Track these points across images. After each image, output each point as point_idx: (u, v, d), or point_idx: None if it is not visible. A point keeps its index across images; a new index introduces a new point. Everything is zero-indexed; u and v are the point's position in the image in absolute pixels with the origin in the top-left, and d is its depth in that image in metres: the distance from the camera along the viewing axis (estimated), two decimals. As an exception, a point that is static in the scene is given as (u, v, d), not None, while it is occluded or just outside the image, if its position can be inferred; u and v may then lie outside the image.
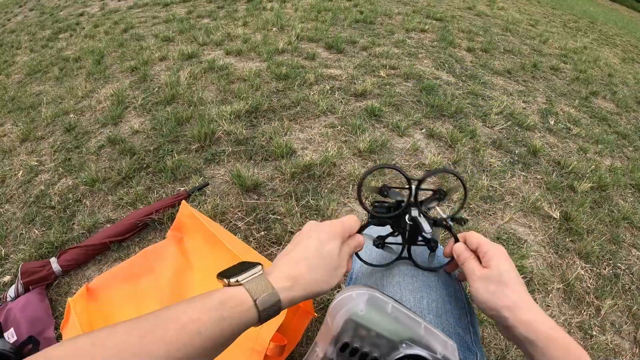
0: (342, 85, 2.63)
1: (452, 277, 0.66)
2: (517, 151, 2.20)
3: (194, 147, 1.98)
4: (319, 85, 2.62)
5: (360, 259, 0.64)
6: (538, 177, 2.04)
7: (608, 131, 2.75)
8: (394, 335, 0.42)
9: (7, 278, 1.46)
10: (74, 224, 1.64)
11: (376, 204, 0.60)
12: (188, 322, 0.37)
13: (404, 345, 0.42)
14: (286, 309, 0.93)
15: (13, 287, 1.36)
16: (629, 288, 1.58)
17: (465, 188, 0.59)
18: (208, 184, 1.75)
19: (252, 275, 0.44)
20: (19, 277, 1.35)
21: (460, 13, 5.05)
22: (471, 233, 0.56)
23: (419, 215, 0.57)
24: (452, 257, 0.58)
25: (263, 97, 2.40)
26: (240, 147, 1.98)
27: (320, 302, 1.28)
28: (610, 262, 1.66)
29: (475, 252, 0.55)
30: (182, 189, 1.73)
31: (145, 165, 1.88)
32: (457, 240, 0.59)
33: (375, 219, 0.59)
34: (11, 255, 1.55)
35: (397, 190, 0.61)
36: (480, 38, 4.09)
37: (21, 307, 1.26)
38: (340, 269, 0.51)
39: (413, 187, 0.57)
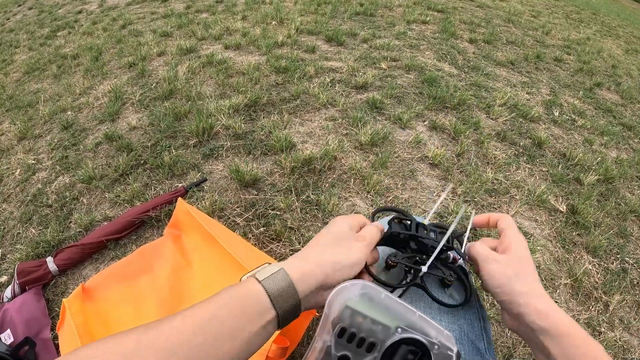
0: (343, 78, 2.59)
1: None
2: (521, 143, 2.16)
3: (191, 142, 1.95)
4: (319, 78, 2.58)
5: (370, 273, 0.55)
6: (544, 169, 2.00)
7: (613, 123, 2.70)
8: (389, 321, 0.42)
9: (4, 278, 1.44)
10: (70, 222, 1.61)
11: (393, 222, 0.57)
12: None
13: (399, 330, 0.42)
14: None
15: (9, 287, 1.33)
16: (637, 283, 1.55)
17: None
18: (206, 180, 1.71)
19: (271, 269, 0.43)
20: (15, 277, 1.32)
21: (461, 4, 4.99)
22: (505, 217, 0.55)
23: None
24: (469, 295, 0.57)
25: (262, 91, 2.37)
26: (239, 141, 1.94)
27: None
28: (618, 256, 1.63)
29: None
30: (180, 185, 1.70)
31: (142, 162, 1.85)
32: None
33: (386, 241, 0.56)
34: (8, 255, 1.53)
35: (407, 258, 0.56)
36: (482, 29, 4.03)
37: (18, 307, 1.24)
38: (357, 243, 0.49)
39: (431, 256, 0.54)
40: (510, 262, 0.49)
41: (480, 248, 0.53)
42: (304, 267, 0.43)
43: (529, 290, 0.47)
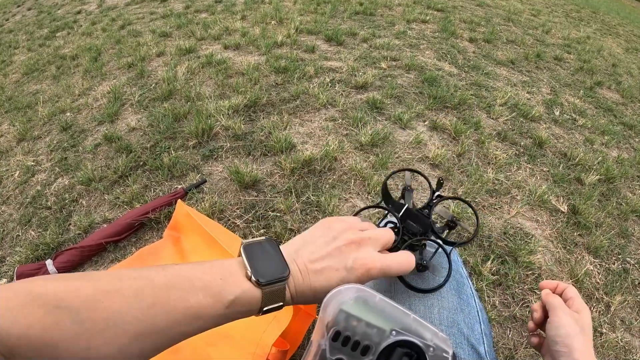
0: (343, 78, 2.58)
1: (464, 282, 0.63)
2: (522, 143, 2.15)
3: (191, 143, 1.95)
4: (319, 78, 2.57)
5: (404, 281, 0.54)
6: (544, 169, 1.99)
7: (614, 122, 2.69)
8: (384, 324, 0.42)
9: (3, 281, 1.43)
10: (70, 224, 1.61)
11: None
12: (196, 305, 0.37)
13: (393, 332, 0.42)
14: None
15: (8, 290, 1.33)
16: (639, 283, 1.54)
17: (477, 220, 0.58)
18: (206, 181, 1.71)
19: (278, 283, 0.42)
20: (15, 280, 1.32)
21: (461, 3, 4.98)
22: (571, 287, 0.63)
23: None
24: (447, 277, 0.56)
25: (262, 91, 2.36)
26: (239, 142, 1.94)
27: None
28: (619, 256, 1.62)
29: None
30: (179, 186, 1.69)
31: (141, 163, 1.85)
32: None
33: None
34: (7, 258, 1.52)
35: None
36: (482, 28, 4.02)
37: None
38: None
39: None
40: (579, 321, 0.57)
41: (557, 299, 0.61)
42: (303, 295, 0.44)
43: (584, 350, 0.54)
